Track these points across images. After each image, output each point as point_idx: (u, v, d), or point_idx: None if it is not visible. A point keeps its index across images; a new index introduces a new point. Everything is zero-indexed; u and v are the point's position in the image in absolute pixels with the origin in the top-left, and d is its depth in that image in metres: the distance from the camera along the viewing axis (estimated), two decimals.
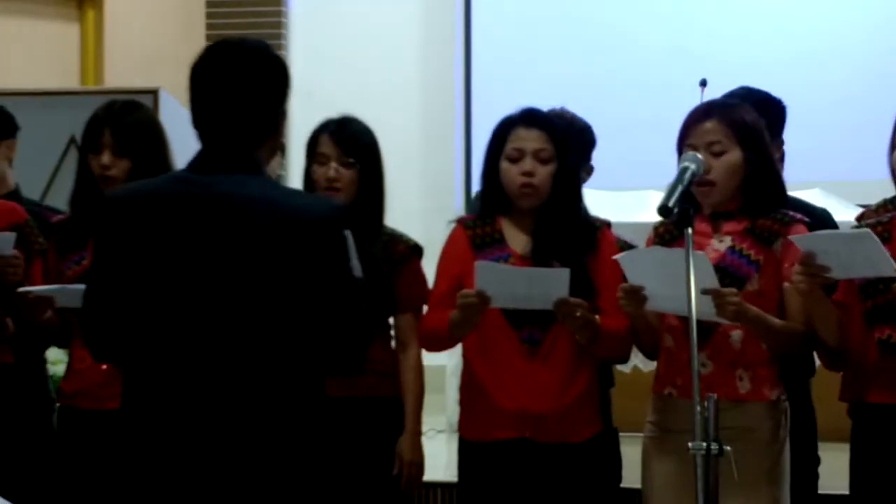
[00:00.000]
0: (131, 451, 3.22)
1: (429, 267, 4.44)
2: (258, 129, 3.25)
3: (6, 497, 3.11)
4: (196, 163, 3.27)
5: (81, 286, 4.12)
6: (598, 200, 5.00)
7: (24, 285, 4.23)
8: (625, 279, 3.98)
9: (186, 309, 3.16)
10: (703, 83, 6.45)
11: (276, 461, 3.16)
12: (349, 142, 4.37)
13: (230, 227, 3.14)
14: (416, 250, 4.44)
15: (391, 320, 4.47)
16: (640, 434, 4.23)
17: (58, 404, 4.51)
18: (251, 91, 3.23)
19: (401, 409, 4.41)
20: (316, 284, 3.14)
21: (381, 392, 4.35)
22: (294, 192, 3.46)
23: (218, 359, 3.15)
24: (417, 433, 4.42)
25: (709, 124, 4.08)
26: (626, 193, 7.35)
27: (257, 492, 3.14)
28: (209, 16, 9.31)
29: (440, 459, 6.13)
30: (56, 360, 5.68)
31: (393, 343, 4.47)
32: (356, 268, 3.22)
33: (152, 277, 3.18)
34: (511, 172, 4.20)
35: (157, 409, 3.18)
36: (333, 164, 4.34)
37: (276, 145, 3.35)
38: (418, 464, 4.41)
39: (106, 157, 4.30)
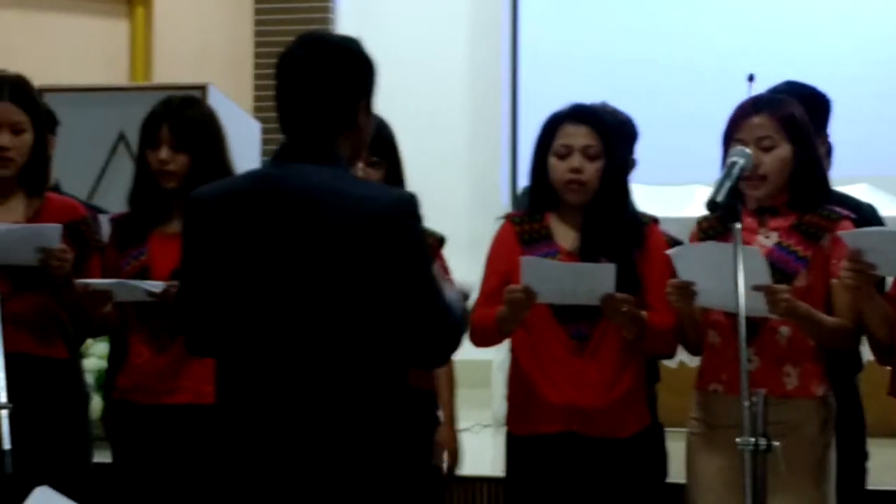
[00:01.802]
0: (222, 443, 3.30)
1: (475, 262, 4.45)
2: (332, 119, 3.28)
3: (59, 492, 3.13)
4: (276, 154, 3.34)
5: (140, 282, 4.19)
6: (644, 195, 5.00)
7: (70, 280, 4.25)
8: (673, 275, 3.98)
9: (266, 304, 3.21)
10: (751, 78, 6.41)
11: (354, 450, 3.20)
12: (375, 141, 4.36)
13: (299, 221, 3.18)
14: (441, 242, 4.46)
15: None
16: (684, 429, 4.23)
17: (112, 398, 4.52)
18: (326, 82, 3.26)
19: (430, 399, 4.43)
20: (388, 275, 3.16)
21: (418, 384, 4.35)
22: (364, 182, 3.47)
23: (295, 351, 3.19)
24: (453, 422, 4.46)
25: (758, 119, 4.09)
26: (671, 188, 7.34)
27: (339, 479, 3.19)
28: (257, 11, 9.34)
29: (486, 454, 6.12)
30: (103, 354, 5.72)
31: None
32: (429, 257, 3.25)
33: (233, 274, 3.25)
34: (559, 169, 4.20)
35: (243, 402, 3.25)
36: (360, 164, 4.33)
37: (359, 141, 3.37)
38: (455, 452, 4.45)
39: (164, 153, 4.33)
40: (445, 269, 4.46)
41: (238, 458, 3.25)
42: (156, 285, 4.18)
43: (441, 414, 4.51)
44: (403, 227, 3.19)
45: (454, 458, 4.46)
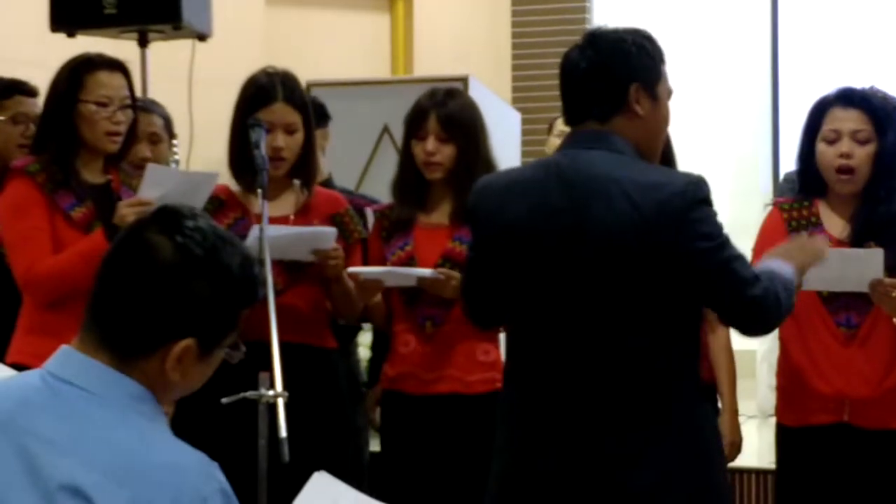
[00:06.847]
0: (505, 433, 3.38)
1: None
2: (599, 102, 3.30)
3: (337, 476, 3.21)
4: (563, 143, 3.41)
5: (408, 269, 4.25)
6: None
7: (341, 274, 4.32)
8: None
9: (554, 296, 3.26)
10: None
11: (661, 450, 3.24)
12: None
13: (582, 208, 3.20)
14: None
15: None
16: None
17: (382, 388, 4.60)
18: (591, 67, 3.30)
19: (709, 392, 4.38)
20: (682, 261, 3.16)
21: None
22: (652, 169, 3.36)
23: (585, 345, 3.24)
24: (735, 412, 4.42)
25: None
26: None
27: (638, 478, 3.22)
28: (514, 2, 9.39)
29: (752, 445, 6.05)
30: (368, 344, 5.80)
31: None
32: (725, 238, 3.22)
33: (519, 262, 3.31)
34: (827, 155, 4.12)
35: (532, 392, 3.31)
36: None
37: (645, 128, 3.34)
38: (738, 444, 4.40)
39: (431, 144, 4.37)
40: None
41: (523, 453, 3.31)
42: (425, 272, 4.24)
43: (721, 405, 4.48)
44: (693, 212, 3.16)
45: (734, 449, 4.42)
